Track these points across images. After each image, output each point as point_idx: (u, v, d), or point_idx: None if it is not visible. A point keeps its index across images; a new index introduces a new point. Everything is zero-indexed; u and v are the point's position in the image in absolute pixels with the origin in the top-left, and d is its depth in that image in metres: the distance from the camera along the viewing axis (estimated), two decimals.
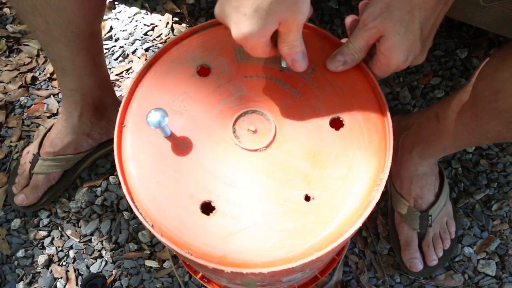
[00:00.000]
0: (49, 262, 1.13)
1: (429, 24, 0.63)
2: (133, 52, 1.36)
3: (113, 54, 1.36)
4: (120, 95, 1.22)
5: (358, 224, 0.59)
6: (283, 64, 0.68)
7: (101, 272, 1.11)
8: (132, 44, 1.37)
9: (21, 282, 1.11)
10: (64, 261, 1.13)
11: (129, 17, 1.42)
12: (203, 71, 0.69)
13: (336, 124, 0.65)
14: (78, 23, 0.85)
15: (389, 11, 0.61)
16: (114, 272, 1.11)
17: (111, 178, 1.19)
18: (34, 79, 1.31)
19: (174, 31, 1.39)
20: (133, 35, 1.39)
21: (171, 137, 0.65)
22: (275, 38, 0.60)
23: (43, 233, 1.15)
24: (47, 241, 1.14)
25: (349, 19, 0.69)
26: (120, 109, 0.66)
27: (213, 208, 0.61)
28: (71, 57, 0.91)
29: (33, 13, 0.81)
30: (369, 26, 0.63)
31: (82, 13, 0.84)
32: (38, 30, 0.85)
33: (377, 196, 0.60)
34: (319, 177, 0.61)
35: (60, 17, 0.82)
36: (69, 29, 0.85)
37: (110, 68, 1.33)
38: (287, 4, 0.54)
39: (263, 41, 0.58)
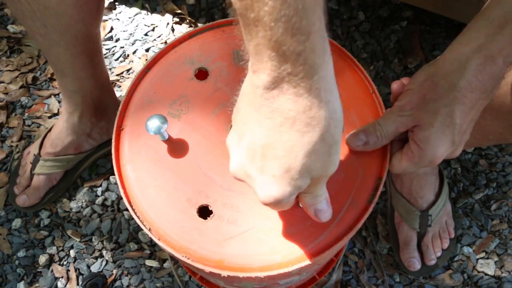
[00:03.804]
0: (50, 261, 1.13)
1: (467, 119, 0.58)
2: (134, 53, 1.36)
3: (113, 54, 1.36)
4: (120, 95, 1.22)
5: (355, 229, 0.59)
6: None
7: (101, 271, 1.12)
8: (133, 44, 1.37)
9: (22, 282, 1.11)
10: (65, 261, 1.13)
11: (129, 18, 1.42)
12: (201, 75, 0.70)
13: None
14: (77, 27, 0.85)
15: (425, 102, 0.58)
16: (114, 271, 1.12)
17: (111, 178, 1.20)
18: (35, 79, 1.32)
19: (175, 32, 1.39)
20: (133, 36, 1.39)
21: (169, 141, 0.65)
22: None
23: (44, 233, 1.15)
24: (48, 240, 1.15)
25: (395, 85, 0.64)
26: (118, 113, 0.67)
27: (210, 212, 0.61)
28: (70, 60, 0.91)
29: (32, 18, 0.81)
30: (403, 113, 0.60)
31: (81, 17, 0.84)
32: (37, 34, 0.85)
33: (374, 201, 0.61)
34: None
35: (59, 21, 0.82)
36: (68, 33, 0.85)
37: (110, 69, 1.33)
38: (321, 159, 0.46)
39: (293, 199, 0.50)
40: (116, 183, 1.19)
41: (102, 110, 1.09)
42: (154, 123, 0.60)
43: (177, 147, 0.65)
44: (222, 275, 0.58)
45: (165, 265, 1.11)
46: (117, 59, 1.35)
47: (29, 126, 1.26)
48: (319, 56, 0.41)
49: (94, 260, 1.13)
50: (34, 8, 0.79)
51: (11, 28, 1.38)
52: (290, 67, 0.41)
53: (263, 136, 0.45)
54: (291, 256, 0.58)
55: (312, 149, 0.45)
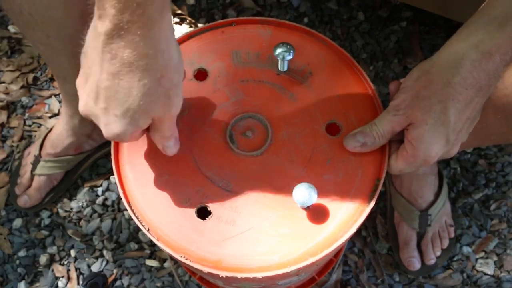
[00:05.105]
0: (50, 261, 1.13)
1: (463, 117, 0.58)
2: None
3: None
4: None
5: (353, 230, 0.59)
6: (280, 68, 0.69)
7: (102, 271, 1.12)
8: None
9: (23, 281, 1.11)
10: (66, 260, 1.14)
11: None
12: (200, 75, 0.70)
13: (333, 129, 0.66)
14: (80, 37, 0.85)
15: (418, 100, 0.58)
16: (115, 271, 1.12)
17: (112, 178, 1.20)
18: (35, 79, 1.32)
19: (175, 32, 1.39)
20: None
21: None
22: None
23: (44, 233, 1.15)
24: (48, 240, 1.15)
25: (393, 86, 0.64)
26: None
27: (209, 213, 0.61)
28: (72, 66, 0.90)
29: (34, 28, 0.80)
30: (398, 112, 0.59)
31: (85, 27, 0.83)
32: (38, 43, 0.85)
33: (372, 202, 0.61)
34: (314, 183, 0.61)
35: (62, 32, 0.81)
36: (70, 43, 0.83)
37: None
38: (159, 101, 0.52)
39: (136, 135, 0.56)
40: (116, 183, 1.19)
41: None
42: None
43: None
44: (220, 276, 0.58)
45: (165, 264, 1.11)
46: None
47: (29, 126, 1.27)
48: (157, 9, 0.47)
49: (94, 260, 1.13)
50: (37, 19, 0.78)
51: (12, 28, 1.38)
52: (130, 16, 0.46)
53: (105, 79, 0.51)
54: (289, 257, 0.59)
55: (149, 92, 0.51)
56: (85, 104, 0.55)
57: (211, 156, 0.65)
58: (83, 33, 0.76)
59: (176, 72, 0.53)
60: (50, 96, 1.30)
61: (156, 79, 0.50)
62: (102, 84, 0.51)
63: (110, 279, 1.11)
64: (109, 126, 0.54)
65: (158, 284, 1.10)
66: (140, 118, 0.53)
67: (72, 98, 1.02)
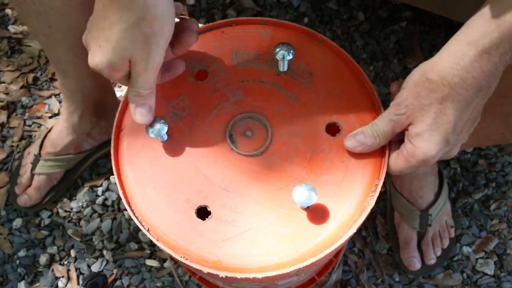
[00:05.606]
0: (50, 261, 1.13)
1: (463, 117, 0.58)
2: None
3: None
4: (121, 95, 1.23)
5: (353, 230, 0.59)
6: (280, 68, 0.69)
7: (102, 271, 1.12)
8: None
9: (23, 281, 1.11)
10: (66, 260, 1.14)
11: None
12: (200, 75, 0.70)
13: (333, 129, 0.66)
14: (81, 28, 0.85)
15: (419, 100, 0.58)
16: (115, 271, 1.12)
17: (112, 178, 1.20)
18: (35, 79, 1.32)
19: None
20: None
21: (168, 141, 0.65)
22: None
23: (44, 233, 1.15)
24: (48, 240, 1.15)
25: (394, 87, 0.65)
26: (117, 113, 0.67)
27: (208, 213, 0.61)
28: (73, 60, 0.91)
29: (37, 18, 0.81)
30: (399, 112, 0.59)
31: (85, 18, 0.84)
32: (41, 34, 0.85)
33: (372, 203, 0.61)
34: (314, 183, 0.62)
35: (64, 22, 0.82)
36: (72, 34, 0.85)
37: None
38: (136, 42, 0.54)
39: (117, 75, 0.58)
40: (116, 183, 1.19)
41: (102, 109, 1.10)
42: (154, 126, 0.61)
43: (176, 148, 0.65)
44: (220, 276, 0.58)
45: (165, 264, 1.11)
46: None
47: (29, 126, 1.27)
48: None
49: (94, 260, 1.13)
50: (40, 9, 0.79)
51: (12, 28, 1.38)
52: None
53: (97, 10, 0.56)
54: (288, 257, 0.58)
55: (127, 30, 0.53)
56: (86, 31, 0.59)
57: (211, 156, 0.65)
58: (84, 23, 0.78)
59: (158, 20, 0.54)
60: (50, 96, 1.30)
61: (135, 19, 0.53)
62: (95, 14, 0.56)
63: (110, 279, 1.11)
64: (92, 56, 0.57)
65: (158, 284, 1.10)
66: (115, 54, 0.55)
67: (72, 93, 1.02)
